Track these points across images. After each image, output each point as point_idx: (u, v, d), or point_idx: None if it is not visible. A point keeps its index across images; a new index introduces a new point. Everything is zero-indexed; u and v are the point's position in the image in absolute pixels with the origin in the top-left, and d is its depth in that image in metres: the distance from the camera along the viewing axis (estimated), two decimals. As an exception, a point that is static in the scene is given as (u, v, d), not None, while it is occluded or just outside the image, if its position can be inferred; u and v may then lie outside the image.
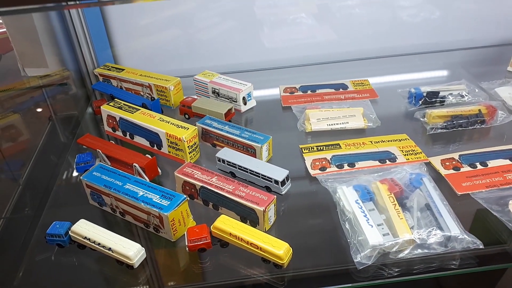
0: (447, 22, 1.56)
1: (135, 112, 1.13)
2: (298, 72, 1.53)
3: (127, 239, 0.82)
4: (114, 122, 1.16)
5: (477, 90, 1.27)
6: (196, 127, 1.08)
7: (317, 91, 1.34)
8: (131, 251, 0.79)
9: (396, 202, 0.87)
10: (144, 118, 1.11)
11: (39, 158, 1.19)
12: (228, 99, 1.28)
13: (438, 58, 1.56)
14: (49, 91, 1.44)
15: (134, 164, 1.00)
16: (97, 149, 1.07)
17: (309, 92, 1.34)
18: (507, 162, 1.00)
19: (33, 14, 1.32)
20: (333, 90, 1.34)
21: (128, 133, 1.16)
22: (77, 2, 0.46)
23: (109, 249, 0.81)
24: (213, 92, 1.30)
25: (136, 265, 0.80)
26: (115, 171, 0.94)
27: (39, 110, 1.39)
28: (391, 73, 1.52)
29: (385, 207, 0.86)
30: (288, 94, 1.34)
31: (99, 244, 0.82)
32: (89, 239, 0.83)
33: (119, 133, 1.18)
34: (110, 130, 1.19)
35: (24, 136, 1.22)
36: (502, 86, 1.29)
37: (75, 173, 1.08)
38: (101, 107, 1.17)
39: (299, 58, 1.57)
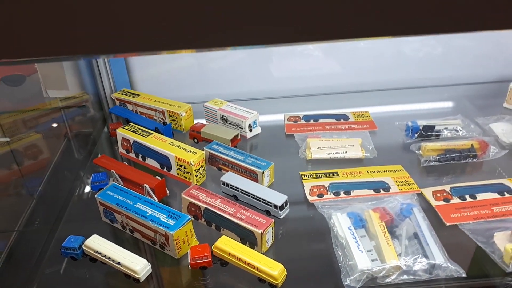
0: (448, 57, 1.63)
1: (148, 136, 1.22)
2: (302, 102, 1.61)
3: (135, 255, 0.89)
4: (128, 145, 1.25)
5: (472, 125, 1.32)
6: (204, 151, 1.16)
7: (320, 121, 1.41)
8: (138, 266, 0.86)
9: (386, 230, 0.92)
10: (156, 142, 1.19)
11: (59, 175, 1.27)
12: (235, 125, 1.36)
13: (437, 92, 1.62)
14: (68, 113, 1.53)
15: (145, 184, 1.08)
16: (111, 170, 1.15)
17: (311, 121, 1.41)
18: (496, 195, 1.05)
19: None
20: (334, 120, 1.41)
21: (140, 155, 1.24)
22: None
23: (118, 263, 0.88)
24: (222, 118, 1.38)
25: (142, 279, 0.87)
26: (127, 191, 1.02)
27: (58, 130, 1.48)
28: (391, 105, 1.59)
29: (376, 234, 0.91)
30: (292, 122, 1.42)
31: (109, 258, 0.89)
32: (100, 253, 0.90)
33: (132, 155, 1.26)
34: (124, 151, 1.28)
35: (44, 155, 1.30)
36: (497, 122, 1.35)
37: (90, 191, 1.16)
38: (117, 130, 1.26)
39: (305, 89, 1.64)
